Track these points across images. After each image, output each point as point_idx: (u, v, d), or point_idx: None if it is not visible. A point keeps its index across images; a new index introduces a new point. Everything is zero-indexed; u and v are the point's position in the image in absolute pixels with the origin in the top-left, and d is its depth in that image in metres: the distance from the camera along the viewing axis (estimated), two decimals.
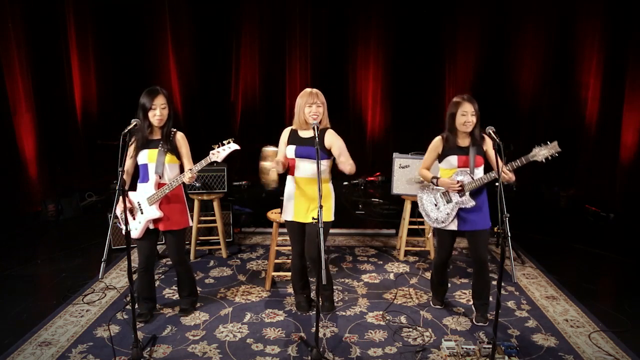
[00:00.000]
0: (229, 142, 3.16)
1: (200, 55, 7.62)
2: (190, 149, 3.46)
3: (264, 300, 3.87)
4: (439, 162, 3.45)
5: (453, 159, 3.36)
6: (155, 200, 3.32)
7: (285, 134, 3.48)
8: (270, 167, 3.31)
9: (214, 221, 4.73)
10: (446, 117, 3.37)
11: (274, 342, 3.26)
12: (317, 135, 3.13)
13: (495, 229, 3.40)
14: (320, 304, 3.64)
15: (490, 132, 3.02)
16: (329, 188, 3.45)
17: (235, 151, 3.23)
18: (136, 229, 3.37)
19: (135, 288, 3.57)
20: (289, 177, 3.48)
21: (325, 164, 3.39)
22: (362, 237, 5.40)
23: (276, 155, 3.49)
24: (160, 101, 3.28)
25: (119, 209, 3.36)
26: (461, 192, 3.33)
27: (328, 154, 3.39)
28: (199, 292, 3.84)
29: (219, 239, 4.76)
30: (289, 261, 4.52)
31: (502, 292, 3.53)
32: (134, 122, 3.08)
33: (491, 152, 3.36)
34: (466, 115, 3.26)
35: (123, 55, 7.23)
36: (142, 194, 3.35)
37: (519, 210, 5.83)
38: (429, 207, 3.50)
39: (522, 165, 3.15)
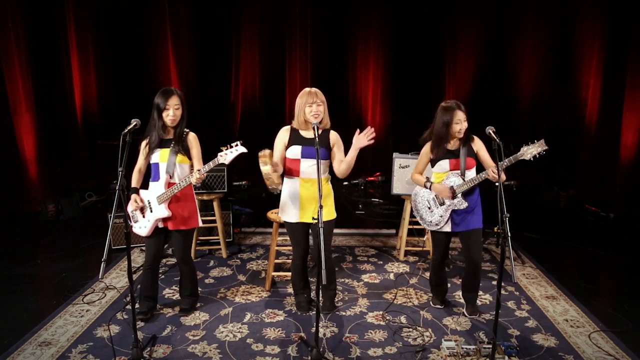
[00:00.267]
0: (236, 145, 3.17)
1: (200, 55, 7.63)
2: None
3: (264, 300, 3.87)
4: (432, 166, 3.48)
5: (445, 163, 3.40)
6: (165, 200, 3.34)
7: (284, 134, 3.45)
8: (269, 171, 3.27)
9: (214, 221, 4.73)
10: (436, 122, 3.37)
11: (274, 342, 3.26)
12: (317, 135, 3.12)
13: (495, 229, 3.40)
14: (321, 303, 3.66)
15: (490, 132, 3.03)
16: (329, 187, 3.46)
17: (242, 154, 3.22)
18: (145, 227, 3.40)
19: (138, 286, 3.58)
20: (289, 179, 3.45)
21: (326, 163, 3.40)
22: (362, 237, 5.40)
23: (272, 156, 3.43)
24: (174, 102, 3.32)
25: (130, 207, 3.41)
26: (454, 196, 3.36)
27: (329, 153, 3.40)
28: (199, 292, 3.83)
29: (219, 239, 4.76)
30: (289, 261, 4.53)
31: (502, 292, 3.52)
32: (134, 122, 3.09)
33: (483, 153, 3.40)
34: (460, 124, 3.31)
35: (123, 55, 7.24)
36: (153, 192, 3.38)
37: (519, 210, 5.85)
38: (423, 210, 3.53)
39: (510, 165, 3.16)
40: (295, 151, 3.38)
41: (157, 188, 3.38)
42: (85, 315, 3.59)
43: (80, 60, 6.99)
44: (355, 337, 3.32)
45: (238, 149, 3.17)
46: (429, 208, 3.49)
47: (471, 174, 3.37)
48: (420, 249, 4.83)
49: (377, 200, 6.88)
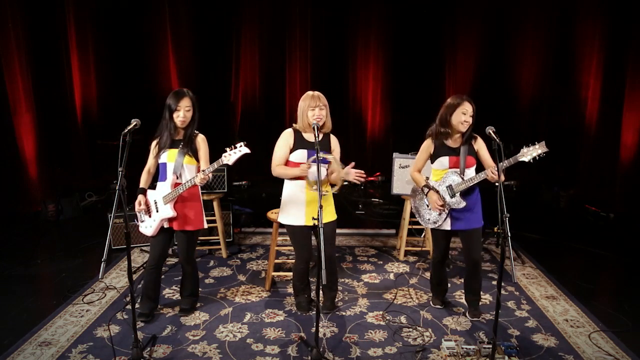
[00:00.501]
0: (240, 146, 3.17)
1: (200, 55, 7.63)
2: None
3: (264, 300, 3.87)
4: (431, 162, 3.47)
5: (444, 160, 3.38)
6: (170, 200, 3.35)
7: (289, 137, 3.42)
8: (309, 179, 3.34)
9: (214, 221, 4.73)
10: (440, 114, 3.37)
11: (274, 342, 3.26)
12: (317, 135, 3.13)
13: (495, 229, 3.40)
14: (322, 303, 3.66)
15: (490, 132, 3.02)
16: (330, 188, 3.48)
17: (246, 155, 3.22)
18: (151, 226, 3.41)
19: (139, 285, 3.58)
20: (294, 182, 3.43)
21: (327, 166, 3.42)
22: (362, 237, 5.40)
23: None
24: (185, 103, 3.34)
25: (136, 208, 3.43)
26: (444, 208, 3.36)
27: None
28: (199, 292, 3.83)
29: (219, 239, 4.76)
30: (289, 261, 4.53)
31: (502, 292, 3.52)
32: (134, 122, 3.09)
33: (483, 152, 3.39)
34: (466, 115, 3.27)
35: (123, 55, 7.23)
36: (159, 192, 3.40)
37: (519, 210, 5.85)
38: (422, 208, 3.53)
39: (510, 166, 3.15)
40: (301, 155, 3.37)
41: (163, 188, 3.39)
42: (85, 315, 3.59)
43: (80, 60, 6.99)
44: (355, 337, 3.32)
45: (242, 149, 3.18)
46: (428, 206, 3.48)
47: (471, 172, 3.36)
48: (420, 249, 4.83)
49: (377, 200, 6.88)
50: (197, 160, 3.43)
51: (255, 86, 7.89)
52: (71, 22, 6.81)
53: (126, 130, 3.01)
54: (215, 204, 4.68)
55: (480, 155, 3.39)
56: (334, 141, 3.49)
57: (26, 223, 5.75)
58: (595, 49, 6.64)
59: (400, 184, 4.63)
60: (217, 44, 7.68)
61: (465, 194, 3.36)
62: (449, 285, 3.88)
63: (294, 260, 3.73)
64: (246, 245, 5.11)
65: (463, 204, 3.34)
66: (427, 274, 4.29)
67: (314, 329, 3.02)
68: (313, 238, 3.56)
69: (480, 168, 3.37)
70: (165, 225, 3.42)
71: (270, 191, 6.68)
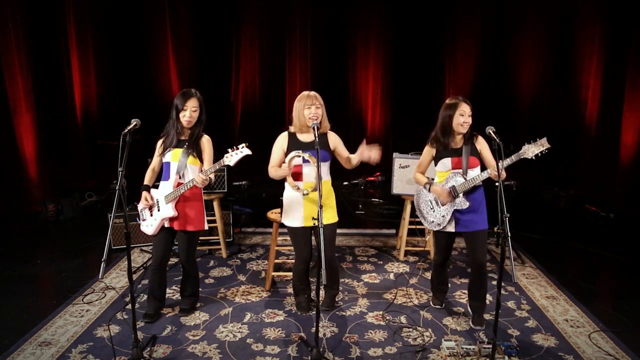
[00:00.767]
0: (242, 147, 3.18)
1: (200, 55, 7.63)
2: None
3: (264, 300, 3.87)
4: (434, 164, 3.46)
5: (447, 161, 3.36)
6: (172, 199, 3.36)
7: (283, 140, 3.45)
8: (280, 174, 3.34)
9: (214, 221, 4.73)
10: (440, 118, 3.37)
11: (274, 342, 3.26)
12: (317, 135, 3.13)
13: (495, 229, 3.40)
14: (322, 302, 3.66)
15: (490, 132, 3.02)
16: (331, 189, 3.48)
17: (247, 156, 3.23)
18: (152, 225, 3.42)
19: (139, 285, 3.57)
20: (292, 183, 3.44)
21: (326, 165, 3.41)
22: (362, 237, 5.40)
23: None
24: (192, 104, 3.37)
25: (140, 205, 3.45)
26: (453, 199, 3.33)
27: (330, 155, 3.43)
28: (199, 292, 3.83)
29: (219, 239, 4.76)
30: (289, 261, 4.53)
31: (502, 292, 3.52)
32: (134, 122, 3.09)
33: (486, 152, 3.37)
34: (464, 116, 3.28)
35: (123, 55, 7.24)
36: (162, 191, 3.41)
37: (519, 210, 5.85)
38: (426, 210, 3.51)
39: (512, 163, 3.15)
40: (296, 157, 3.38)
41: (166, 187, 3.40)
42: (85, 315, 3.59)
43: (80, 60, 6.99)
44: (355, 337, 3.32)
45: (243, 151, 3.18)
46: (431, 208, 3.46)
47: (474, 173, 3.33)
48: (421, 249, 4.83)
49: (377, 200, 6.88)
50: (201, 161, 3.44)
51: (255, 86, 7.90)
52: (71, 22, 6.81)
53: (126, 130, 3.01)
54: (215, 204, 4.68)
55: (483, 155, 3.38)
56: (333, 138, 3.47)
57: (26, 223, 5.75)
58: (595, 49, 6.64)
59: (400, 184, 4.63)
60: (217, 44, 7.69)
61: (468, 194, 3.33)
62: (449, 285, 3.88)
63: (294, 260, 3.74)
64: (246, 245, 5.11)
65: (467, 204, 3.31)
66: (427, 274, 4.29)
67: (314, 329, 3.03)
68: (313, 239, 3.57)
69: (483, 168, 3.36)
70: (166, 225, 3.42)
71: (270, 191, 6.68)
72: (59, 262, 4.59)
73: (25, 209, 6.07)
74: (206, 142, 3.46)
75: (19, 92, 6.00)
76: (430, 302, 3.80)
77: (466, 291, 3.95)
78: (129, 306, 3.53)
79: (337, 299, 3.82)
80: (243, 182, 7.43)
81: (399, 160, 4.63)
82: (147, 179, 3.49)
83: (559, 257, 4.84)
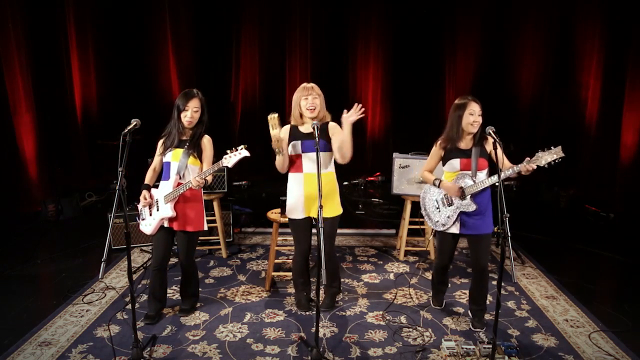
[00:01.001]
0: (241, 148, 3.18)
1: (200, 55, 7.63)
2: None
3: (264, 300, 3.87)
4: (443, 165, 3.42)
5: (456, 162, 3.31)
6: (171, 199, 3.35)
7: (285, 132, 3.46)
8: (277, 134, 3.30)
9: (214, 221, 4.73)
10: (449, 119, 3.32)
11: (274, 342, 3.26)
12: (317, 135, 3.10)
13: (495, 228, 3.40)
14: (322, 301, 3.66)
15: (490, 132, 3.01)
16: (335, 181, 3.46)
17: (245, 158, 3.22)
18: (150, 224, 3.42)
19: (139, 285, 3.57)
20: (293, 175, 3.45)
21: (328, 155, 3.38)
22: (362, 237, 5.40)
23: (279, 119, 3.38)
24: (193, 104, 3.37)
25: (140, 204, 3.45)
26: (462, 196, 3.30)
27: (330, 145, 3.38)
28: (199, 292, 3.83)
29: (219, 239, 4.76)
30: (289, 261, 4.53)
31: (502, 292, 3.52)
32: (134, 122, 3.09)
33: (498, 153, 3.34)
34: (474, 115, 3.22)
35: (123, 55, 7.24)
36: (162, 191, 3.41)
37: (519, 210, 5.85)
38: (431, 209, 3.48)
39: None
40: (295, 147, 3.39)
41: (166, 187, 3.40)
42: (85, 315, 3.59)
43: (80, 60, 6.99)
44: (355, 337, 3.32)
45: (242, 152, 3.18)
46: (437, 208, 3.43)
47: (482, 175, 3.28)
48: (421, 249, 4.83)
49: (377, 200, 6.88)
50: (202, 161, 3.44)
51: (255, 86, 7.90)
52: (71, 22, 6.81)
53: (126, 130, 3.01)
54: (215, 204, 4.68)
55: (493, 157, 3.34)
56: (332, 127, 3.41)
57: (26, 223, 5.75)
58: (595, 49, 6.64)
59: (400, 184, 4.62)
60: (217, 44, 7.69)
61: (475, 197, 3.28)
62: (449, 285, 3.88)
63: (294, 255, 3.72)
64: (246, 245, 5.11)
65: (474, 207, 3.26)
66: (427, 274, 4.29)
67: (314, 328, 3.03)
68: (314, 231, 3.55)
69: (494, 171, 3.31)
70: (166, 225, 3.41)
71: (271, 191, 6.69)
72: (59, 262, 4.59)
73: (25, 209, 6.07)
74: (207, 142, 3.46)
75: (19, 92, 6.00)
76: (430, 302, 3.80)
77: (466, 291, 3.96)
78: (129, 306, 3.53)
79: (337, 299, 3.82)
80: (243, 182, 7.43)
81: (399, 160, 4.63)
82: (148, 179, 3.50)
83: (559, 257, 4.84)
